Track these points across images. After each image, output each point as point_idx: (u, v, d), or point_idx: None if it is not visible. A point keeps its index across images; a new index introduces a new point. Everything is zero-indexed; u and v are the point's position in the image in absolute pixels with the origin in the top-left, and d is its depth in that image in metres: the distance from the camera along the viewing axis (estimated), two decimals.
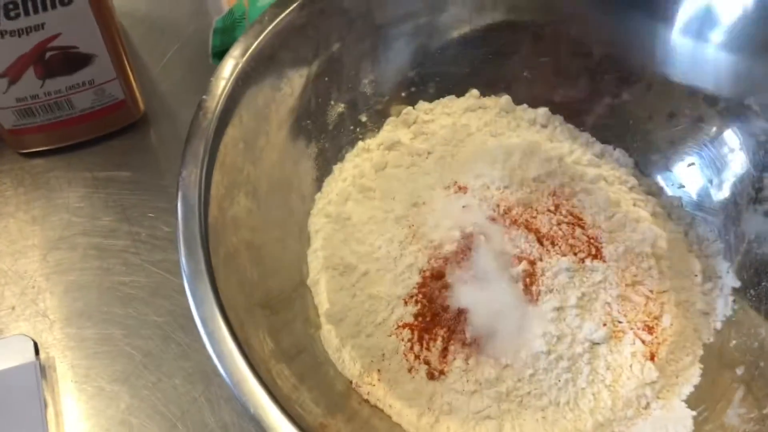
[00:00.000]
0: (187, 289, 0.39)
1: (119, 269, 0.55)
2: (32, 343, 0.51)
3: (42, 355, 0.51)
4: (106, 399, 0.50)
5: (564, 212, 0.52)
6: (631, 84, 0.57)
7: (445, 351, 0.48)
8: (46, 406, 0.49)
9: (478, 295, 0.48)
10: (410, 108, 0.60)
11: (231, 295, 0.41)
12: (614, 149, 0.59)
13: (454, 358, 0.47)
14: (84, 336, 0.52)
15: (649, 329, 0.49)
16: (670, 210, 0.56)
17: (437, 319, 0.48)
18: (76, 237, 0.56)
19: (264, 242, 0.48)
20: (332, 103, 0.55)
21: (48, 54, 0.50)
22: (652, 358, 0.48)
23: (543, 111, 0.60)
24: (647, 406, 0.47)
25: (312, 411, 0.41)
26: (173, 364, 0.51)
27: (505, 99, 0.60)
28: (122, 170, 0.60)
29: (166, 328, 0.53)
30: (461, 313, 0.48)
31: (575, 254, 0.50)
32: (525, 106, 0.61)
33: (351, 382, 0.47)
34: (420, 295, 0.49)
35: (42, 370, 0.50)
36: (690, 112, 0.55)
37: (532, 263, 0.50)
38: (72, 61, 0.51)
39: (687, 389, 0.48)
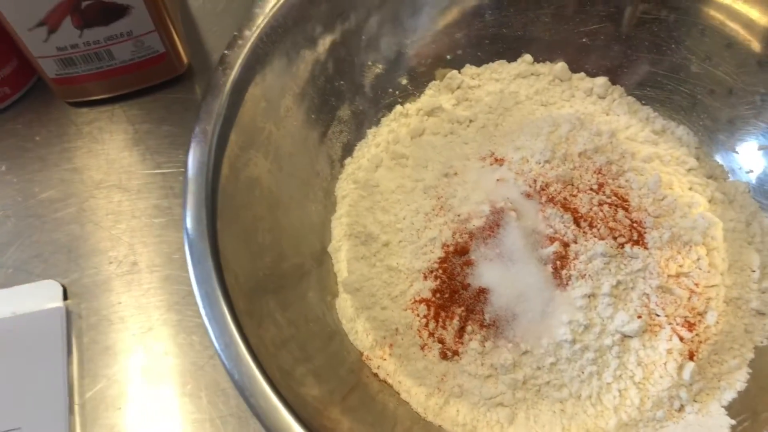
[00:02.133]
0: (187, 250, 0.38)
1: (150, 222, 0.55)
2: (61, 288, 0.52)
3: (70, 301, 0.52)
4: (126, 350, 0.50)
5: (608, 192, 0.48)
6: (699, 54, 0.52)
7: (461, 331, 0.45)
8: (69, 353, 0.50)
9: (502, 274, 0.45)
10: (455, 72, 0.56)
11: (235, 259, 0.40)
12: (678, 126, 0.53)
13: (471, 339, 0.45)
14: (113, 287, 0.53)
15: (690, 326, 0.45)
16: (733, 197, 0.50)
17: (456, 297, 0.46)
18: (111, 189, 0.57)
19: (283, 206, 0.47)
20: (369, 63, 0.53)
21: (84, 3, 0.50)
22: (691, 357, 0.44)
23: (602, 81, 0.55)
24: (681, 408, 0.43)
25: (313, 386, 0.40)
26: (193, 320, 0.51)
27: (561, 66, 0.56)
28: (163, 124, 0.60)
29: (189, 284, 0.50)
30: (482, 292, 0.45)
31: (614, 238, 0.46)
32: (582, 74, 0.56)
33: (362, 354, 0.46)
34: (440, 271, 0.46)
35: (69, 317, 0.51)
36: (749, 86, 0.49)
37: (566, 245, 0.46)
38: (108, 11, 0.51)
39: (729, 395, 0.44)
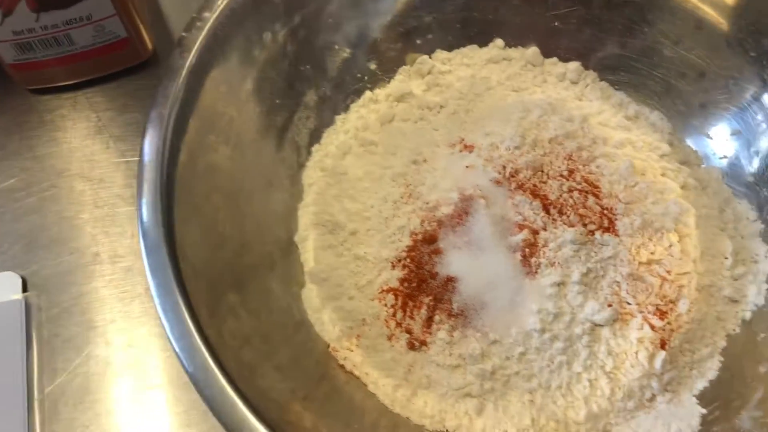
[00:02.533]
0: (141, 238, 0.37)
1: (113, 212, 0.54)
2: (20, 279, 0.51)
3: (30, 293, 0.51)
4: (88, 343, 0.49)
5: (578, 178, 0.47)
6: (672, 38, 0.51)
7: (429, 321, 0.44)
8: (29, 346, 0.49)
9: (471, 263, 0.44)
10: (426, 57, 0.55)
11: (193, 249, 0.39)
12: (651, 112, 0.53)
13: (438, 329, 0.44)
14: (74, 279, 0.51)
15: (662, 314, 0.44)
16: (707, 183, 0.50)
17: (424, 286, 0.45)
18: (74, 178, 0.55)
19: (245, 195, 0.45)
20: (335, 47, 0.52)
21: None
22: (662, 346, 0.43)
23: (574, 65, 0.54)
24: (652, 398, 0.43)
25: (276, 379, 0.39)
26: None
27: (533, 51, 0.55)
28: (127, 112, 0.58)
29: None
30: (450, 281, 0.44)
31: (584, 225, 0.45)
32: (554, 59, 0.55)
33: (328, 346, 0.45)
34: (408, 260, 0.45)
35: (28, 309, 0.50)
36: (721, 70, 0.48)
37: (535, 233, 0.45)
38: None
39: (701, 384, 0.43)
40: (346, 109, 0.53)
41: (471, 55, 0.55)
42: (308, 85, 0.51)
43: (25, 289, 0.51)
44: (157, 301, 0.35)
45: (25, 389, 0.47)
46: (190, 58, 0.42)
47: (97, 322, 0.50)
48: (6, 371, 0.47)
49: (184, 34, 0.43)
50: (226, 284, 0.41)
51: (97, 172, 0.56)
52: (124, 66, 0.58)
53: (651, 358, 0.43)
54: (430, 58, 0.55)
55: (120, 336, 0.49)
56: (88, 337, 0.49)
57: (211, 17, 0.43)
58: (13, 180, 0.55)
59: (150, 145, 0.39)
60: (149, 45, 0.58)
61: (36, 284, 0.51)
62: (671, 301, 0.44)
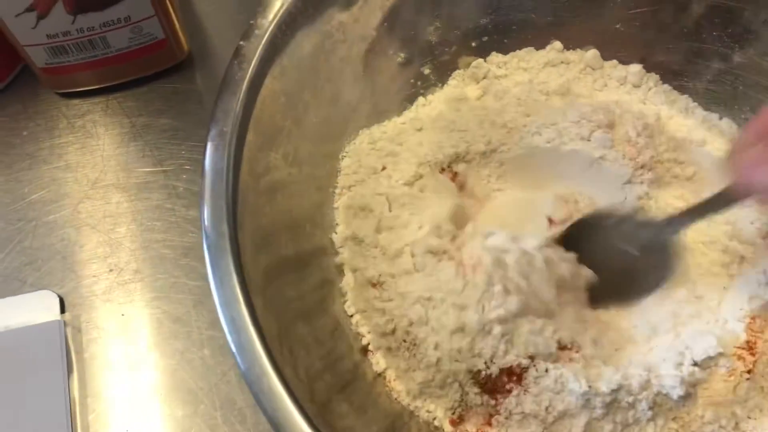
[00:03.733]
0: (209, 268, 0.34)
1: (152, 225, 0.51)
2: (58, 299, 0.48)
3: (68, 313, 0.48)
4: (132, 368, 0.46)
5: None
6: (743, 43, 0.48)
7: None
8: (70, 370, 0.46)
9: None
10: (481, 60, 0.52)
11: (258, 273, 0.36)
12: (720, 119, 0.50)
13: None
14: (114, 296, 0.49)
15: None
16: None
17: None
18: (108, 188, 0.52)
19: (303, 211, 0.43)
20: (390, 52, 0.49)
21: None
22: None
23: (636, 68, 0.52)
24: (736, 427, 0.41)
25: (350, 416, 0.37)
26: (204, 333, 0.47)
27: (592, 53, 0.52)
28: (162, 117, 0.55)
29: (198, 292, 0.49)
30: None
31: None
32: (614, 62, 0.52)
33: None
34: None
35: (67, 330, 0.47)
36: None
37: None
38: None
39: None
40: (400, 115, 0.50)
41: (527, 58, 0.53)
42: (361, 94, 0.48)
43: (62, 309, 0.48)
44: (230, 338, 0.33)
45: (68, 417, 0.44)
46: (250, 69, 0.39)
47: (140, 345, 0.47)
48: (47, 398, 0.44)
49: (242, 43, 0.40)
50: (293, 312, 0.38)
51: (133, 182, 0.53)
52: (159, 68, 0.55)
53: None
54: (485, 61, 0.52)
55: (165, 359, 0.46)
56: (132, 360, 0.47)
57: (269, 25, 0.40)
58: (44, 191, 0.53)
59: (211, 166, 0.36)
60: (185, 46, 0.55)
61: (74, 304, 0.48)
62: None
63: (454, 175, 0.47)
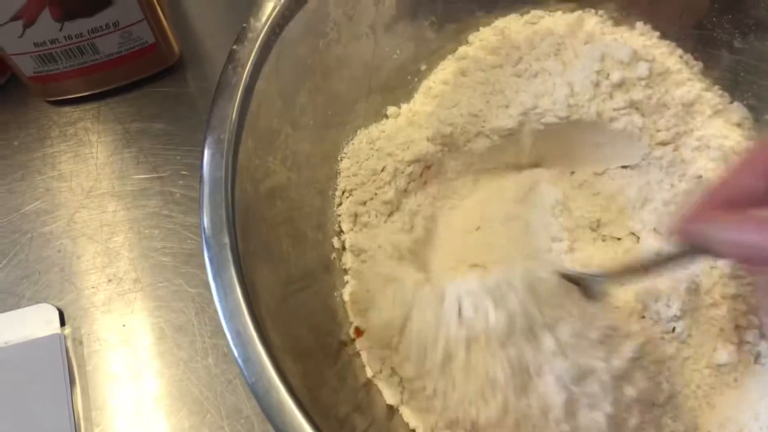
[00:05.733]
0: (211, 281, 0.34)
1: (150, 233, 0.50)
2: (57, 312, 0.47)
3: (69, 326, 0.47)
4: (135, 378, 0.46)
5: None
6: (745, 30, 0.48)
7: None
8: (72, 384, 0.45)
9: None
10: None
11: (264, 287, 0.35)
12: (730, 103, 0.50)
13: None
14: (112, 308, 0.48)
15: None
16: None
17: None
18: (104, 197, 0.51)
19: (304, 216, 0.42)
20: (386, 50, 0.48)
21: None
22: None
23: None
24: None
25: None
26: (207, 341, 0.47)
27: None
28: (155, 122, 0.54)
29: (199, 300, 0.48)
30: None
31: None
32: None
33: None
34: None
35: (68, 343, 0.46)
36: None
37: None
38: (92, 0, 0.45)
39: None
40: (398, 114, 0.49)
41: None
42: (357, 93, 0.47)
43: (62, 322, 0.47)
44: (235, 351, 0.32)
45: (73, 430, 0.44)
46: (245, 74, 0.38)
47: (143, 355, 0.46)
48: (50, 413, 0.44)
49: (235, 47, 0.39)
50: (297, 321, 0.38)
51: (128, 189, 0.52)
52: (149, 72, 0.54)
53: None
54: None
55: (169, 369, 0.46)
56: (135, 371, 0.46)
57: (263, 27, 0.39)
58: (39, 202, 0.52)
59: (210, 174, 0.36)
60: (176, 49, 0.54)
61: (74, 316, 0.48)
62: None
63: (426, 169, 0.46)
